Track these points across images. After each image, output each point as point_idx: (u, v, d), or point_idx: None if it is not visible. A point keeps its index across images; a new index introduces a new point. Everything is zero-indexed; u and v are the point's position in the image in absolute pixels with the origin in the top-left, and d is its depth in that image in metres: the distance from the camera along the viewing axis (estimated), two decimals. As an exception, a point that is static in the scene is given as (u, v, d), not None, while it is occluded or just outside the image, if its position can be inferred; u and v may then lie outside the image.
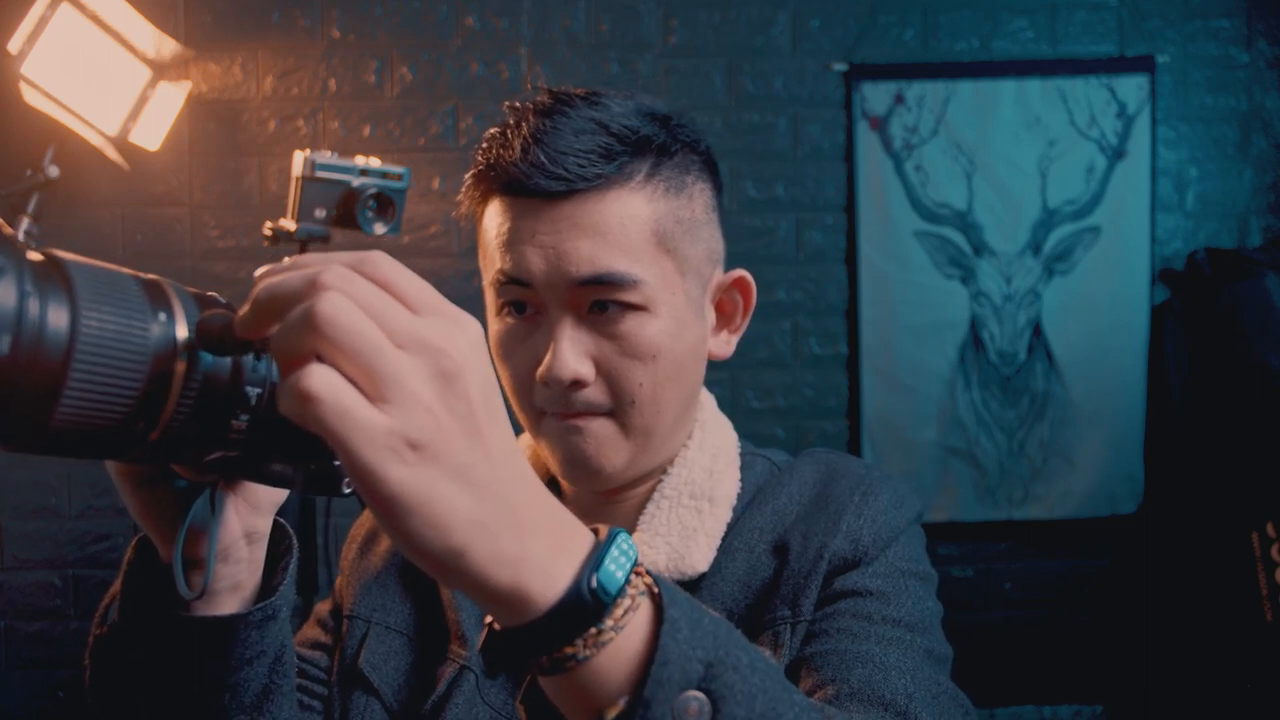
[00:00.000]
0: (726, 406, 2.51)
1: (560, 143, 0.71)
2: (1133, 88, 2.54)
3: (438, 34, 2.52)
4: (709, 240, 0.79)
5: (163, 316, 0.46)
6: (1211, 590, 2.39)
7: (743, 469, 0.84)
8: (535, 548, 0.43)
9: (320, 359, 0.39)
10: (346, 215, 1.96)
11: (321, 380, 0.38)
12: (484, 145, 0.76)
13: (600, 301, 0.71)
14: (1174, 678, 2.49)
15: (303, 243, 1.97)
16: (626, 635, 0.44)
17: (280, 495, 0.62)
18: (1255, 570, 2.25)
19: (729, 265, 0.83)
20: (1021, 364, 2.57)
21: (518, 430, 0.92)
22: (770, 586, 0.74)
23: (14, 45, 1.91)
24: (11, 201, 2.07)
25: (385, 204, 1.97)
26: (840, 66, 2.54)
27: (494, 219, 0.74)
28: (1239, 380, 2.33)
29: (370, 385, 0.38)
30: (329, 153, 1.96)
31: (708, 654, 0.46)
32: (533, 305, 0.73)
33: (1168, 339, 2.51)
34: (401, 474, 0.39)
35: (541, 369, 0.72)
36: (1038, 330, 2.56)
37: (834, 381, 2.60)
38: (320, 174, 1.93)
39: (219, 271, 2.51)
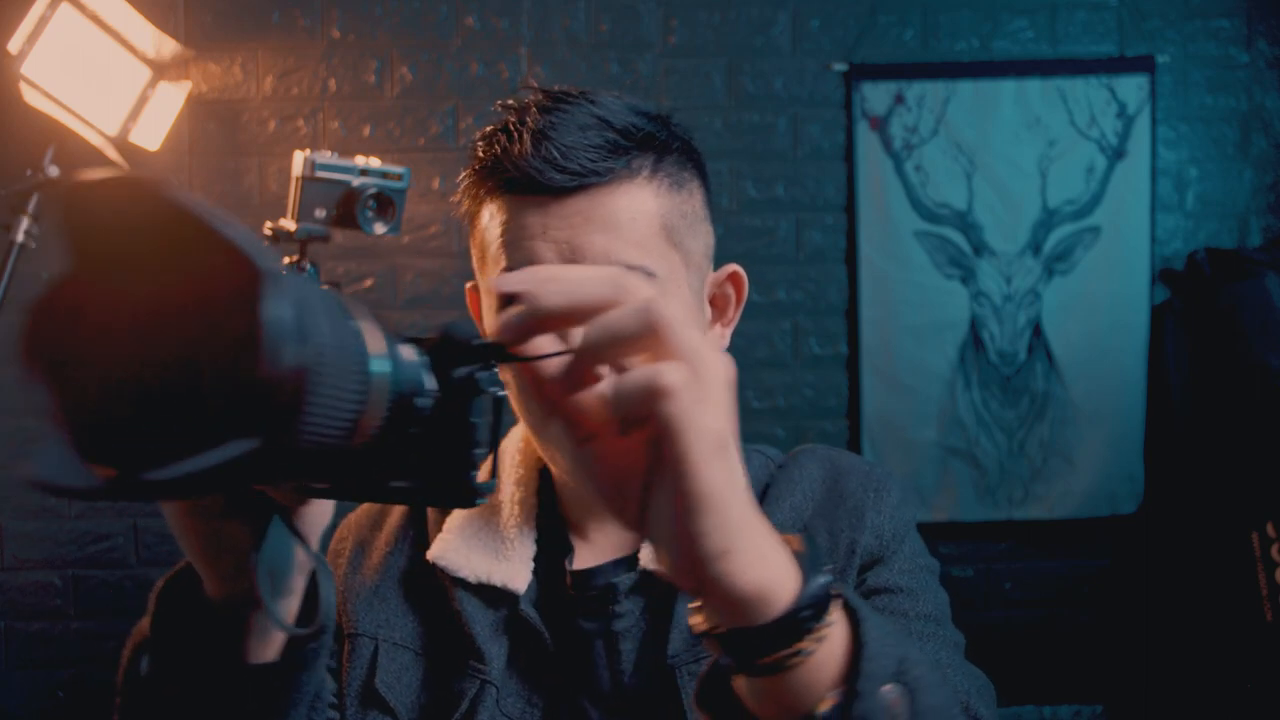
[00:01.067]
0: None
1: (568, 138, 0.71)
2: (1133, 88, 2.54)
3: (438, 34, 2.52)
4: (705, 236, 0.80)
5: (354, 324, 0.43)
6: (1211, 590, 2.38)
7: (744, 464, 0.85)
8: (774, 549, 0.46)
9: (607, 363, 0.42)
10: (346, 215, 1.96)
11: (678, 376, 0.41)
12: (482, 143, 0.76)
13: None
14: (1174, 678, 2.49)
15: (303, 243, 1.97)
16: (836, 631, 0.47)
17: (326, 519, 0.58)
18: (1255, 570, 2.25)
19: (727, 263, 0.85)
20: (1021, 364, 2.57)
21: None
22: None
23: (14, 45, 1.91)
24: (11, 201, 2.07)
25: (385, 204, 1.97)
26: (840, 66, 2.54)
27: (498, 216, 0.74)
28: (1239, 380, 2.33)
29: (699, 387, 0.41)
30: (329, 153, 1.96)
31: (897, 648, 0.49)
32: None
33: (1168, 339, 2.51)
34: (716, 471, 0.42)
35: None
36: (1038, 330, 2.56)
37: (834, 381, 2.60)
38: (320, 174, 1.93)
39: (219, 271, 2.51)
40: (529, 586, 0.79)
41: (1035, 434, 2.57)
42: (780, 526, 0.80)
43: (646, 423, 0.42)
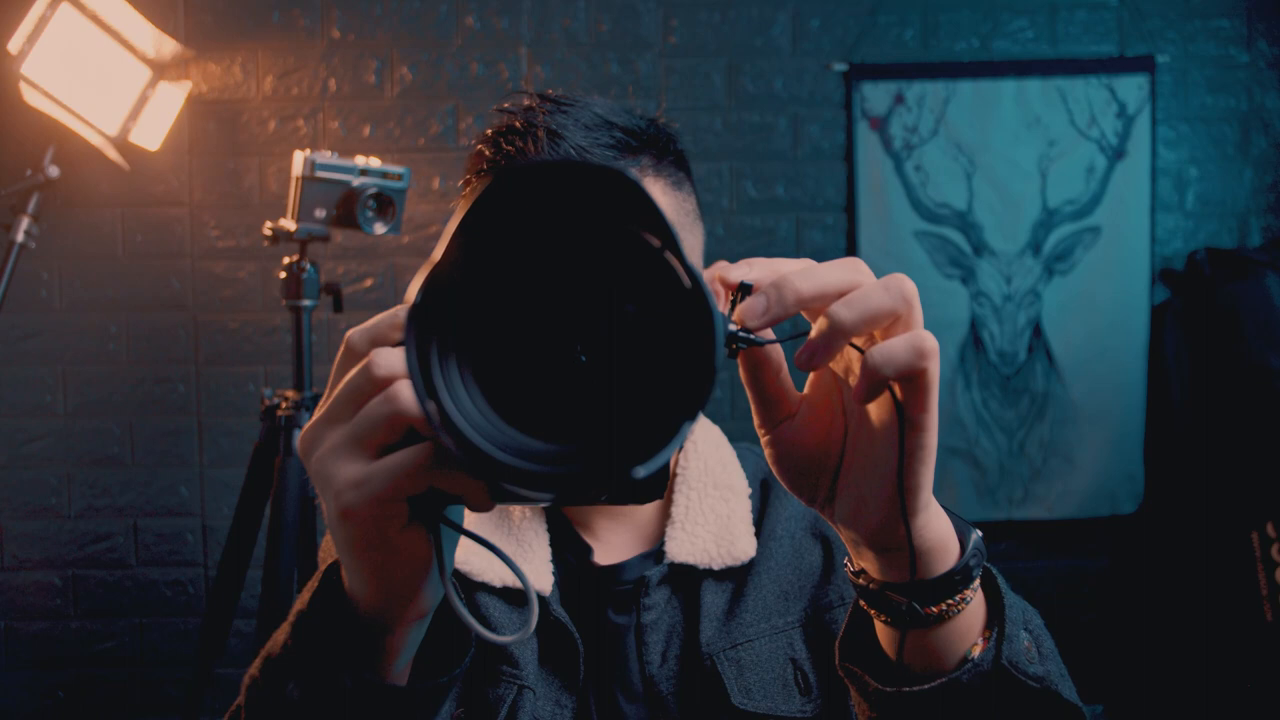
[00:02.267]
0: (726, 406, 2.51)
1: (580, 137, 0.72)
2: (1133, 88, 2.54)
3: (438, 34, 2.52)
4: (700, 234, 0.82)
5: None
6: (1211, 590, 2.38)
7: (739, 458, 0.89)
8: (940, 508, 0.52)
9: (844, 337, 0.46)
10: (346, 215, 1.96)
11: (933, 340, 0.47)
12: (488, 144, 0.76)
13: None
14: (1174, 678, 2.49)
15: (303, 243, 1.97)
16: (982, 581, 0.54)
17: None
18: (1255, 570, 2.25)
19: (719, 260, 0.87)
20: (1021, 364, 2.57)
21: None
22: (825, 569, 0.82)
23: (14, 45, 1.91)
24: (11, 201, 2.07)
25: (385, 204, 1.97)
26: (840, 66, 2.54)
27: None
28: (1239, 380, 2.33)
29: (930, 355, 0.47)
30: (329, 153, 1.96)
31: (1020, 601, 0.58)
32: None
33: (1168, 339, 2.51)
34: (936, 428, 0.49)
35: None
36: (1038, 330, 2.56)
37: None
38: (320, 174, 1.93)
39: (219, 271, 2.51)
40: (552, 587, 0.80)
41: (1035, 434, 2.57)
42: (794, 517, 0.84)
43: (883, 390, 0.47)
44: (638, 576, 0.81)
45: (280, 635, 0.55)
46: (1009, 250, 2.55)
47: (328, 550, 0.88)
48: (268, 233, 1.97)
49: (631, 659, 0.79)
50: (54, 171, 2.07)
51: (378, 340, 0.48)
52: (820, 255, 2.57)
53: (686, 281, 0.38)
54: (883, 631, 0.56)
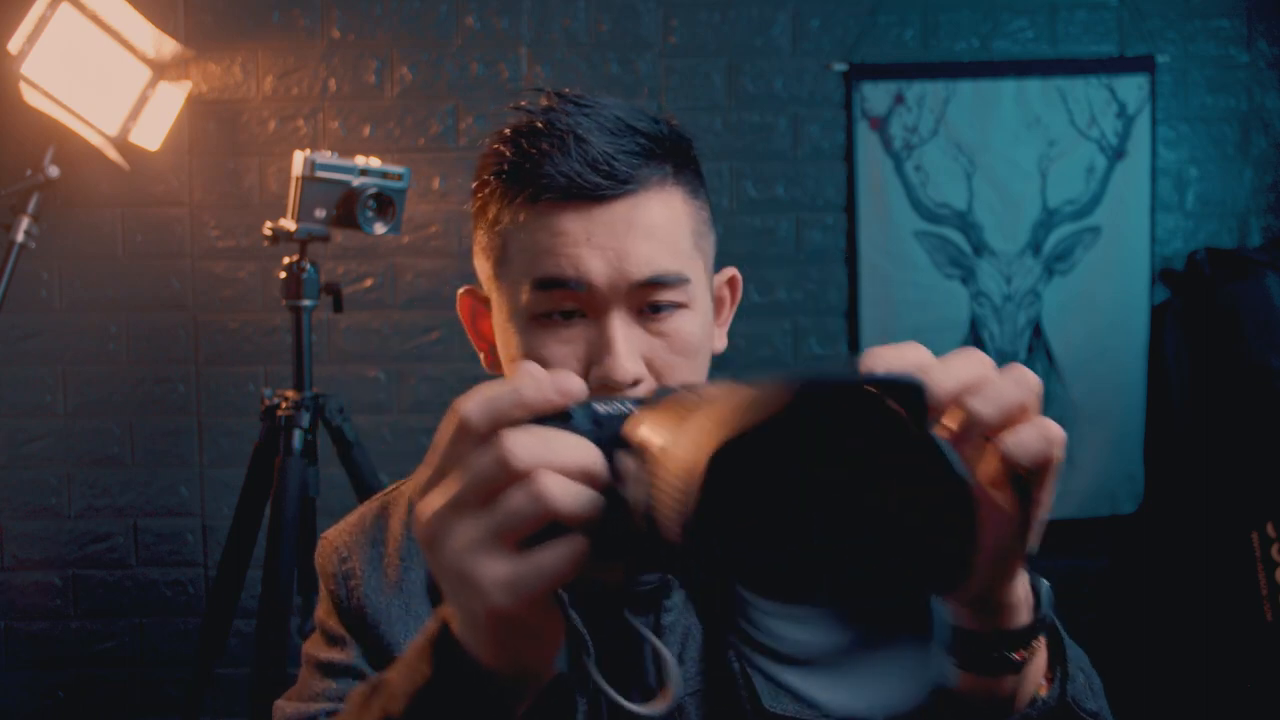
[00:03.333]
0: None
1: (605, 143, 0.71)
2: (1133, 88, 2.54)
3: (438, 34, 2.52)
4: (714, 239, 0.82)
5: None
6: (1211, 590, 2.38)
7: None
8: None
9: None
10: (346, 215, 1.96)
11: (1058, 427, 0.51)
12: (507, 145, 0.74)
13: (654, 302, 0.72)
14: (1174, 678, 2.49)
15: (303, 242, 1.97)
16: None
17: None
18: (1255, 570, 2.25)
19: (727, 263, 0.87)
20: (1021, 364, 2.57)
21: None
22: None
23: (14, 45, 1.91)
24: (11, 201, 2.07)
25: (385, 204, 1.97)
26: (840, 66, 2.54)
27: (531, 221, 0.72)
28: (1239, 380, 2.33)
29: (1060, 444, 0.51)
30: (329, 153, 1.96)
31: (1070, 641, 0.62)
32: (580, 307, 0.72)
33: (1168, 339, 2.51)
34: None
35: (600, 371, 0.71)
36: (1038, 330, 2.56)
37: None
38: (320, 174, 1.93)
39: (219, 272, 2.51)
40: None
41: (1035, 434, 2.57)
42: None
43: (1014, 476, 0.51)
44: (662, 578, 0.79)
45: (395, 706, 0.52)
46: (1009, 250, 2.55)
47: (325, 556, 0.84)
48: (268, 233, 1.97)
49: (648, 661, 0.78)
50: (54, 171, 2.07)
51: (499, 420, 0.46)
52: (820, 255, 2.58)
53: (966, 479, 0.39)
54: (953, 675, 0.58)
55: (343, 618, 0.80)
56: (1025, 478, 0.50)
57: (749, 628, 0.37)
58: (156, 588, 2.52)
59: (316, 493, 2.01)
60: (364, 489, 2.02)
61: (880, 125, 2.54)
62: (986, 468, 0.50)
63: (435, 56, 2.53)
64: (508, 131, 0.74)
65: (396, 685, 0.53)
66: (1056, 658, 0.60)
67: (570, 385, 0.47)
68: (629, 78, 2.54)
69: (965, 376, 0.49)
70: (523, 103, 0.76)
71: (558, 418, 0.46)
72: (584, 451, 0.45)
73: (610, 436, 0.46)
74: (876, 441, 0.39)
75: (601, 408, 0.47)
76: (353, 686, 0.76)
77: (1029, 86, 2.53)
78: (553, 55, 2.54)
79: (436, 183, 2.52)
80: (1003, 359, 2.55)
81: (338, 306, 2.07)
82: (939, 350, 0.48)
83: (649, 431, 0.43)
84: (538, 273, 0.72)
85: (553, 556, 0.44)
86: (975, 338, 2.56)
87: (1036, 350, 2.57)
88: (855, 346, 2.56)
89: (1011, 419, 0.49)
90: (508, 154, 0.73)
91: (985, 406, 0.48)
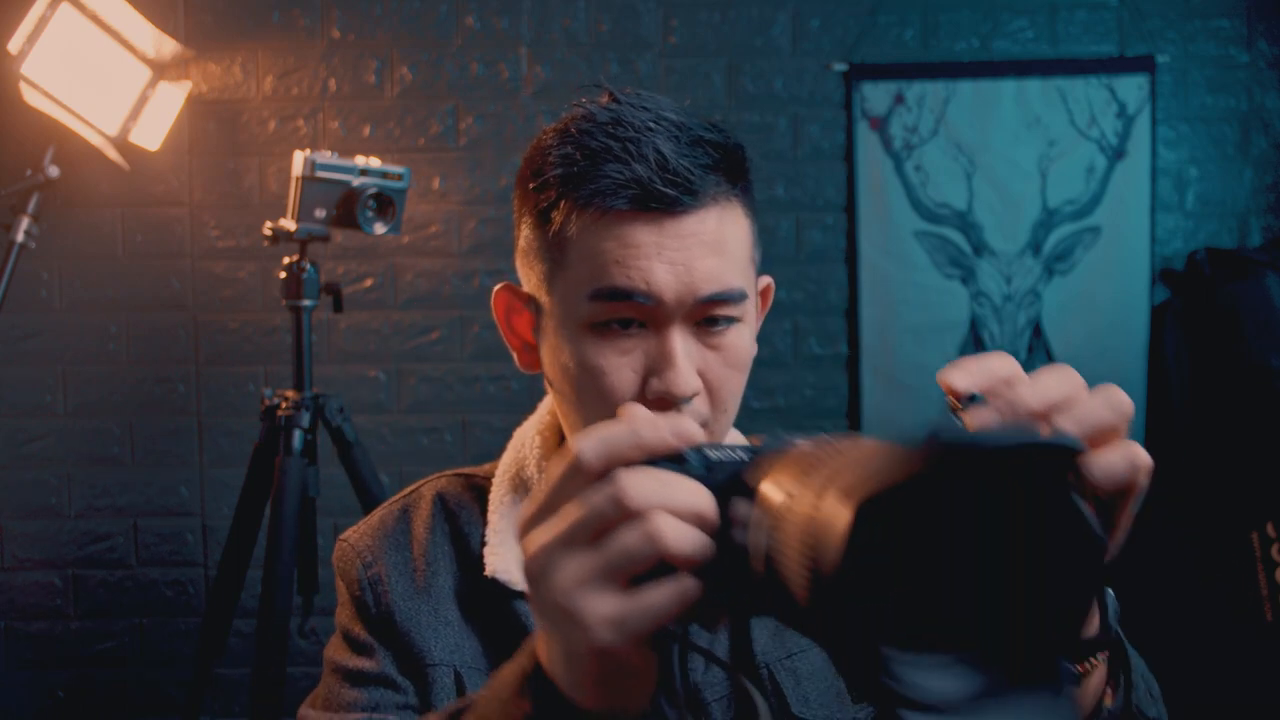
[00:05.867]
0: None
1: (680, 155, 0.69)
2: (1133, 88, 2.54)
3: (438, 34, 2.52)
4: (760, 251, 0.82)
5: None
6: (1212, 590, 2.38)
7: None
8: None
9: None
10: (346, 215, 1.96)
11: (1148, 456, 0.49)
12: (571, 147, 0.70)
13: (712, 316, 0.72)
14: (1174, 678, 2.49)
15: (303, 242, 1.97)
16: None
17: None
18: (1255, 570, 2.25)
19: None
20: (1021, 364, 2.56)
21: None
22: None
23: (14, 45, 1.91)
24: (11, 201, 2.07)
25: (385, 204, 1.97)
26: (840, 66, 2.54)
27: (598, 228, 0.69)
28: (1239, 380, 2.33)
29: (1146, 470, 0.50)
30: (329, 153, 1.96)
31: (1132, 651, 0.62)
32: (640, 317, 0.70)
33: (1168, 339, 2.51)
34: None
35: (659, 384, 0.70)
36: (1038, 330, 2.56)
37: (834, 381, 2.60)
38: (320, 174, 1.93)
39: (219, 271, 2.51)
40: None
41: (1035, 434, 2.57)
42: None
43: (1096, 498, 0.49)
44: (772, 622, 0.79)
45: None
46: (1009, 250, 2.55)
47: (346, 560, 0.82)
48: (268, 233, 1.97)
49: (675, 665, 0.78)
50: (54, 171, 2.07)
51: (614, 459, 0.46)
52: (820, 255, 2.58)
53: (1102, 542, 0.40)
54: None
55: (369, 625, 0.79)
56: (1107, 500, 0.49)
57: (889, 681, 0.38)
58: (156, 588, 2.52)
59: (316, 493, 2.01)
60: (364, 489, 2.02)
61: (880, 125, 2.54)
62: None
63: (435, 56, 2.53)
64: (573, 130, 0.71)
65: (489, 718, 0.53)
66: (1120, 666, 0.61)
67: (685, 429, 0.47)
68: (629, 78, 2.54)
69: (1055, 395, 0.49)
70: (583, 100, 0.73)
71: (671, 460, 0.47)
72: (698, 495, 0.46)
73: (724, 481, 0.47)
74: (1021, 505, 0.39)
75: (713, 453, 0.48)
76: (383, 695, 0.76)
77: (1029, 86, 2.53)
78: (553, 55, 2.54)
79: (436, 183, 2.52)
80: (1003, 359, 2.56)
81: (338, 306, 2.07)
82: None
83: (773, 482, 0.44)
84: (604, 282, 0.69)
85: (661, 596, 0.44)
86: (975, 338, 2.56)
87: (1036, 350, 2.57)
88: (855, 346, 2.56)
89: (1099, 440, 0.49)
90: (577, 156, 0.70)
91: (1073, 426, 0.48)
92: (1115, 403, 0.49)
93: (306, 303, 1.99)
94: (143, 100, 2.20)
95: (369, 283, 2.53)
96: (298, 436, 1.93)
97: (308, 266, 1.99)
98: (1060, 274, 2.55)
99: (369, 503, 1.99)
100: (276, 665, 1.80)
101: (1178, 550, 2.51)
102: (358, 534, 0.84)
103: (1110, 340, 2.55)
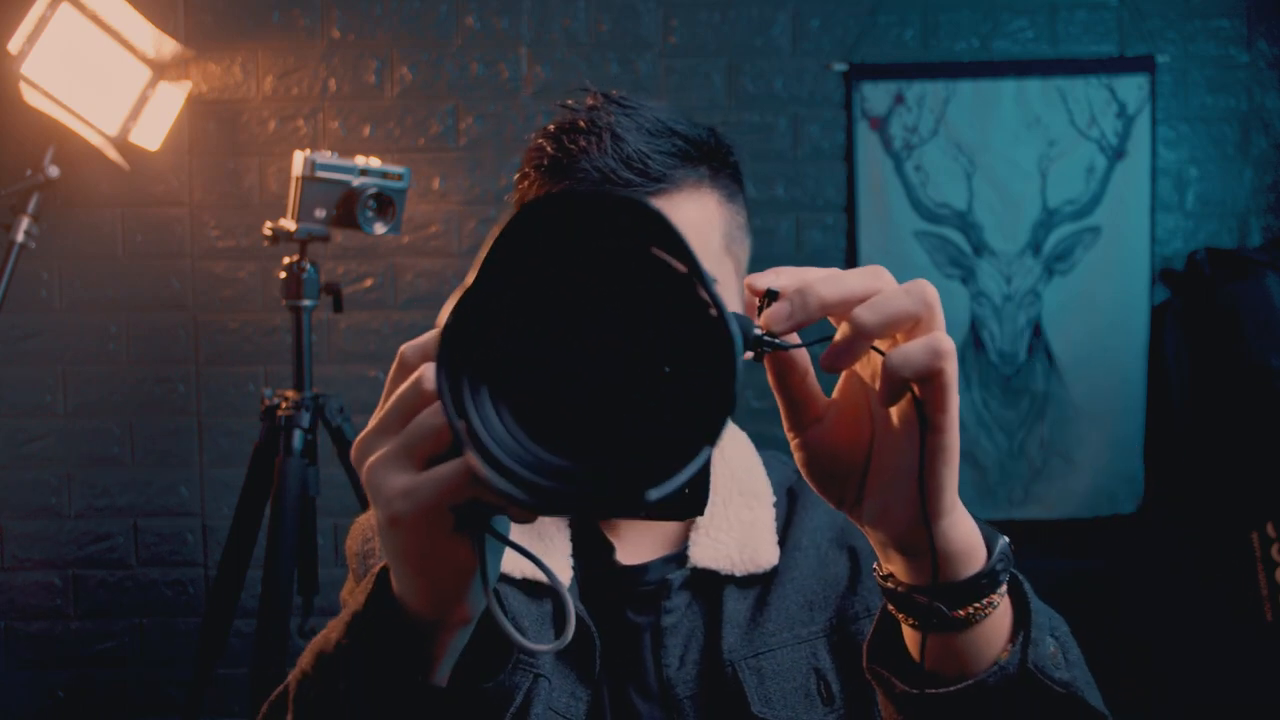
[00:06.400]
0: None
1: (643, 143, 0.73)
2: (1133, 88, 2.54)
3: (438, 34, 2.52)
4: (748, 246, 0.84)
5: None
6: (1211, 590, 2.38)
7: (765, 466, 0.89)
8: (966, 513, 0.53)
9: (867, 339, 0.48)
10: (346, 215, 1.96)
11: (951, 341, 0.48)
12: (548, 140, 0.77)
13: None
14: (1174, 678, 2.49)
15: (303, 243, 1.97)
16: (1008, 587, 0.55)
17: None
18: (1255, 570, 2.25)
19: None
20: (1021, 364, 2.57)
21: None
22: (851, 580, 0.81)
23: (14, 45, 1.91)
24: (11, 201, 2.07)
25: (385, 204, 1.97)
26: (840, 66, 2.54)
27: None
28: (1239, 380, 2.33)
29: (947, 356, 0.48)
30: (329, 153, 1.96)
31: (1046, 608, 0.58)
32: None
33: (1168, 339, 2.51)
34: (957, 429, 0.49)
35: None
36: (1038, 330, 2.56)
37: (834, 381, 2.59)
38: (320, 174, 1.93)
39: (219, 271, 2.51)
40: (571, 582, 0.81)
41: (1035, 434, 2.57)
42: (820, 528, 0.84)
43: (904, 392, 0.49)
44: (660, 578, 0.81)
45: (334, 634, 0.57)
46: (1009, 250, 2.55)
47: (353, 538, 0.88)
48: (268, 233, 1.97)
49: (648, 659, 0.79)
50: (54, 171, 2.07)
51: (429, 356, 0.49)
52: (820, 255, 2.58)
53: (713, 311, 0.40)
54: (910, 636, 0.57)
55: None
56: (919, 395, 0.49)
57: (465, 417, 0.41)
58: (156, 588, 2.52)
59: (317, 493, 2.01)
60: (363, 489, 2.02)
61: (880, 125, 2.54)
62: (880, 383, 0.49)
63: (435, 56, 2.53)
64: (551, 127, 0.77)
65: (342, 615, 0.58)
66: (1021, 621, 0.57)
67: None
68: (629, 78, 2.54)
69: (853, 286, 0.49)
70: (569, 101, 0.79)
71: None
72: None
73: None
74: (604, 258, 0.41)
75: None
76: None
77: (1029, 86, 2.53)
78: (553, 55, 2.54)
79: (436, 183, 2.52)
80: (1003, 359, 2.56)
81: (338, 306, 2.07)
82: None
83: None
84: None
85: (444, 470, 0.47)
86: (975, 337, 2.56)
87: (1037, 350, 2.57)
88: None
89: (899, 330, 0.49)
90: (548, 149, 0.76)
91: (868, 314, 0.48)
92: (918, 293, 0.48)
93: (306, 303, 1.99)
94: (143, 100, 2.20)
95: (369, 283, 2.53)
96: (298, 436, 1.93)
97: (308, 266, 1.99)
98: (1060, 274, 2.55)
99: (368, 503, 1.99)
100: (276, 665, 1.80)
101: (1178, 550, 2.51)
102: (367, 515, 0.88)
103: (1110, 340, 2.55)
